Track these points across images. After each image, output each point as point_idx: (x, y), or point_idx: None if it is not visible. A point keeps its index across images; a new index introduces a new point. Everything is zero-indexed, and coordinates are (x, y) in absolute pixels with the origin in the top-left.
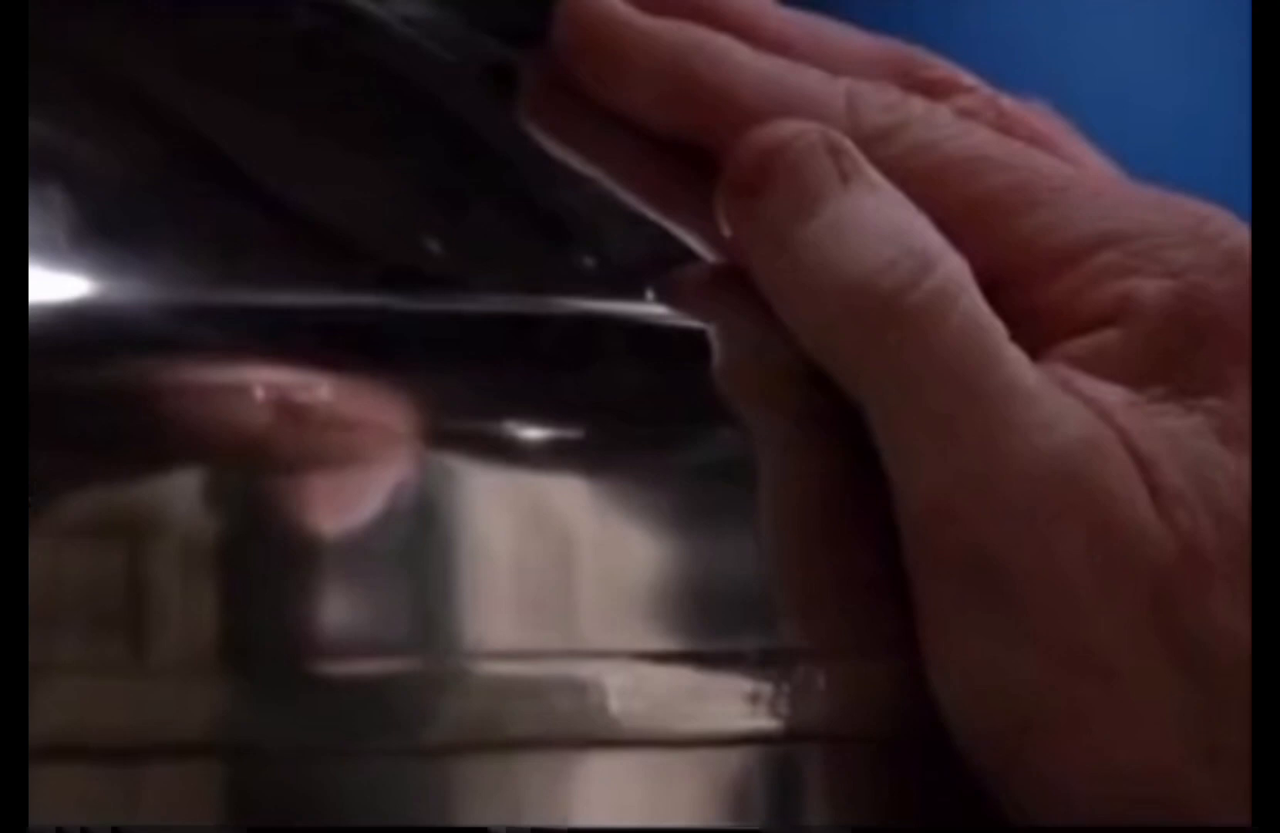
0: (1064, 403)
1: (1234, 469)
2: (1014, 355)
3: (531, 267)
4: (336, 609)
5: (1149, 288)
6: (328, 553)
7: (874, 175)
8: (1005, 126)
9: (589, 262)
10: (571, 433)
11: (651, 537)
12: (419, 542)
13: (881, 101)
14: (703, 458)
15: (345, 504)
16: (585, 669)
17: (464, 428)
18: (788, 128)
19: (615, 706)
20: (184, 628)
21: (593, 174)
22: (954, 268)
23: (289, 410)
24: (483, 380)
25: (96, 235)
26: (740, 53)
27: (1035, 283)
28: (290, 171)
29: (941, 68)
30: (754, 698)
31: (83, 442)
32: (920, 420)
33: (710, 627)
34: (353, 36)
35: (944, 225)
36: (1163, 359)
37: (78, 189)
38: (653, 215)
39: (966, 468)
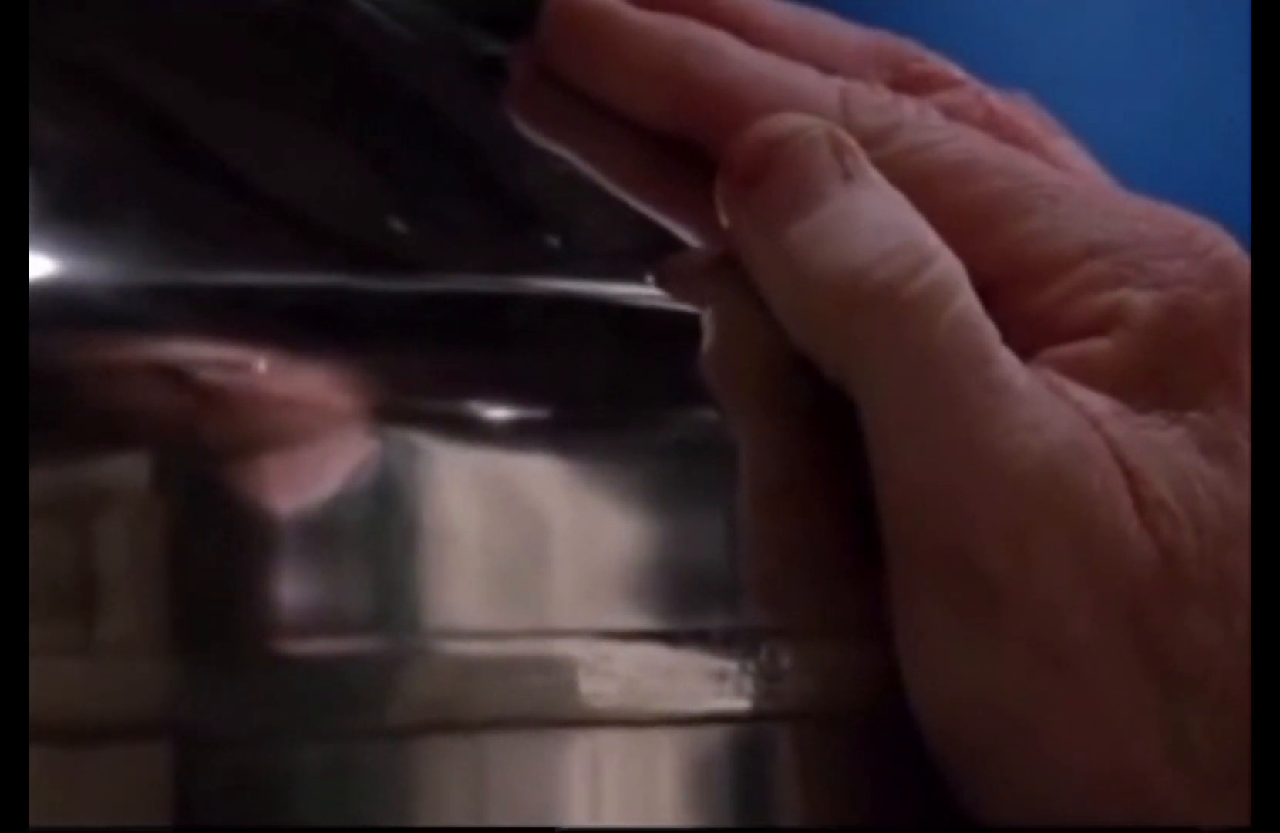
0: (1053, 406)
1: (1214, 483)
2: (1005, 356)
3: (498, 247)
4: (303, 589)
5: (1138, 299)
6: (292, 533)
7: (874, 174)
8: (993, 123)
9: (555, 242)
10: (538, 413)
11: (619, 516)
12: (385, 521)
13: (874, 102)
14: (670, 438)
15: (305, 483)
16: (552, 648)
17: (430, 408)
18: (793, 121)
19: (583, 685)
20: (140, 608)
21: (561, 155)
22: (951, 266)
23: (247, 389)
24: (448, 361)
25: (59, 215)
26: (733, 49)
27: (1025, 289)
28: (256, 152)
29: (932, 61)
30: (721, 677)
31: (38, 420)
32: (908, 415)
33: (678, 606)
34: (320, 18)
35: (936, 229)
36: (1149, 371)
37: (39, 169)
38: (641, 208)
39: (952, 463)
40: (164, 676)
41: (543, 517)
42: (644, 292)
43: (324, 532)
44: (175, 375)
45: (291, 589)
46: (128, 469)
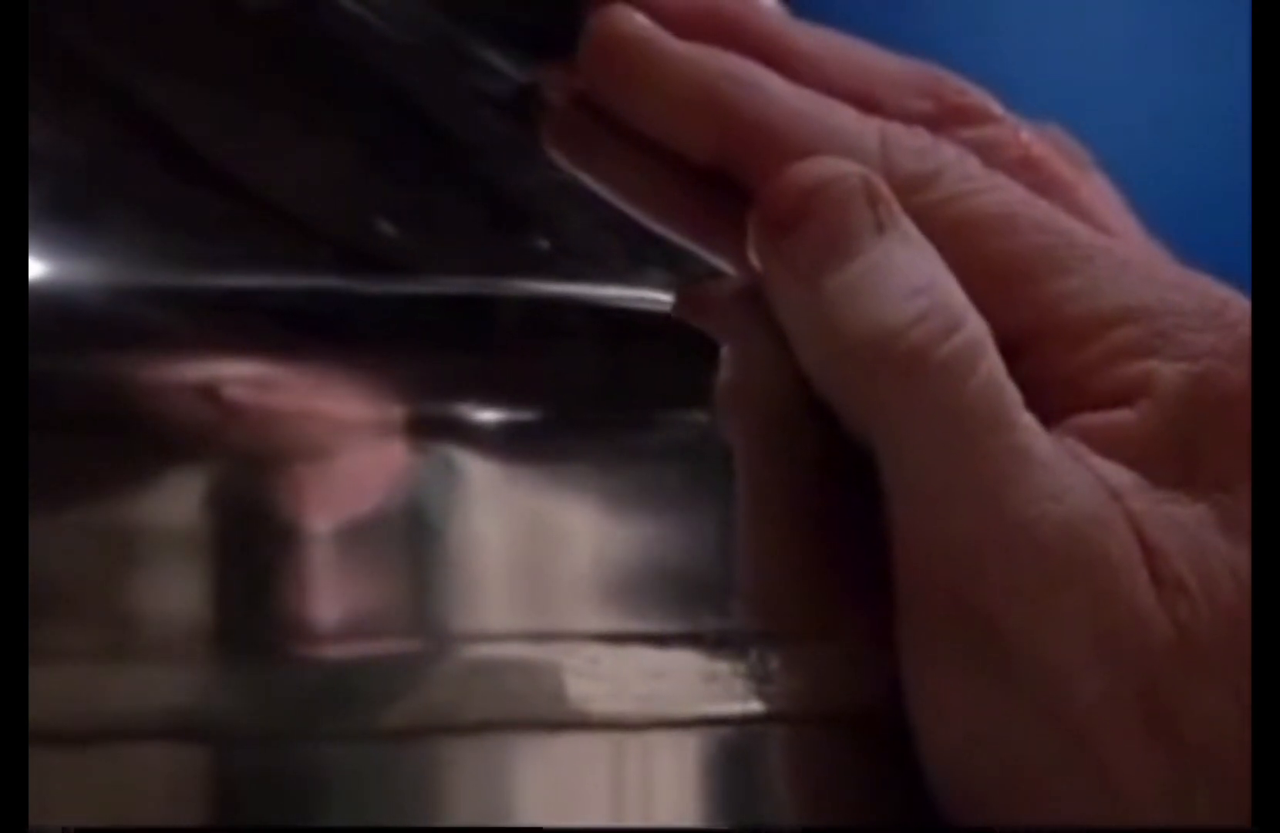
0: (1076, 475)
1: (1234, 563)
2: (1028, 421)
3: (488, 249)
4: (295, 594)
5: (1166, 371)
6: (285, 539)
7: (909, 226)
8: (1029, 164)
9: (545, 244)
10: (528, 416)
11: (609, 519)
12: (376, 526)
13: (914, 145)
14: (661, 441)
15: (302, 490)
16: (544, 652)
17: (420, 411)
18: (829, 167)
19: (573, 688)
20: (144, 614)
21: (557, 163)
22: (978, 328)
23: (244, 396)
24: (437, 363)
25: (49, 216)
26: (773, 83)
27: (1057, 350)
28: (246, 153)
29: (973, 95)
30: (711, 680)
31: (33, 424)
32: (930, 476)
33: (669, 609)
34: (311, 18)
35: (968, 282)
36: (1173, 445)
37: (30, 170)
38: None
39: (973, 526)
40: (172, 681)
41: (533, 520)
42: (634, 294)
43: (321, 538)
44: (169, 381)
45: (292, 595)
46: (125, 476)
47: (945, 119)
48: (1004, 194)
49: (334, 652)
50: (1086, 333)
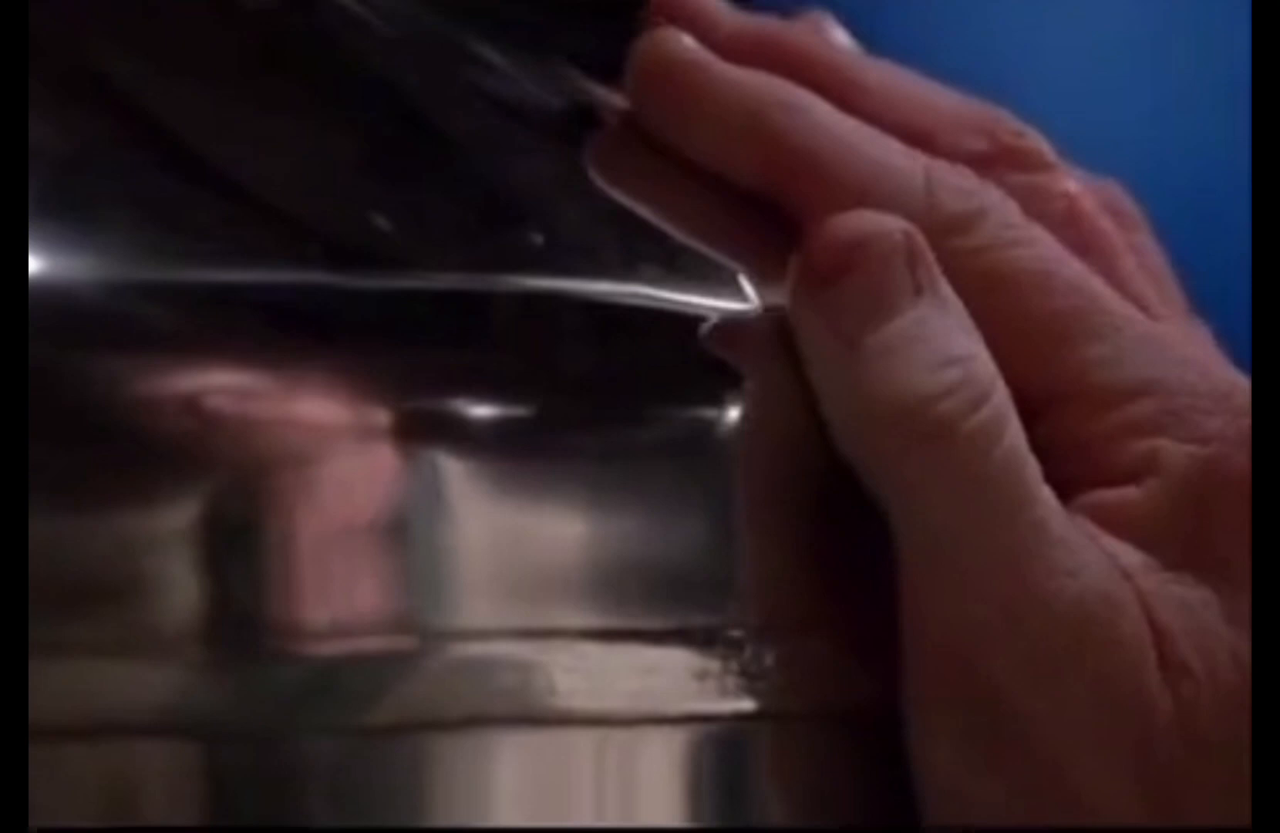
0: (1089, 553)
1: (1235, 647)
2: (1046, 496)
3: (481, 245)
4: (281, 591)
5: (1175, 452)
6: (272, 535)
7: (946, 290)
8: (1073, 218)
9: (538, 239)
10: (520, 411)
11: (602, 515)
12: (365, 523)
13: (959, 186)
14: (653, 437)
15: (290, 488)
16: (532, 648)
17: (411, 407)
18: (873, 222)
19: (562, 684)
20: (129, 611)
21: (544, 153)
22: (1004, 399)
23: (227, 405)
24: (430, 358)
25: (41, 212)
26: (822, 113)
27: (1072, 418)
28: (238, 149)
29: (1028, 137)
30: (702, 676)
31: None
32: (948, 544)
33: (659, 605)
34: (302, 14)
35: (996, 339)
36: (1178, 528)
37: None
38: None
39: (987, 596)
40: (157, 678)
41: (523, 516)
42: (628, 289)
43: (308, 535)
44: (160, 378)
45: (278, 591)
46: (107, 475)
47: (997, 161)
48: (1041, 249)
49: (321, 649)
50: (1106, 402)
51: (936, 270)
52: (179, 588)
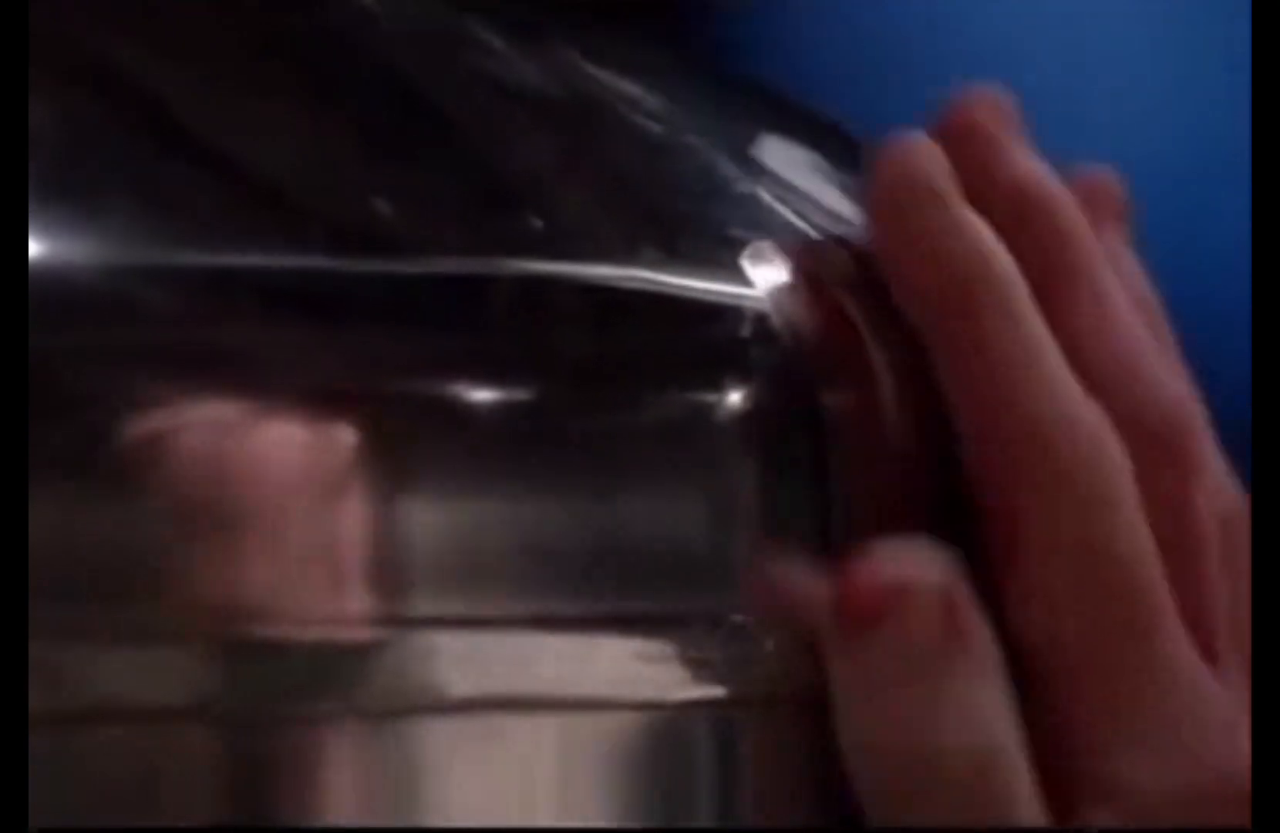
0: None
1: None
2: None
3: (481, 228)
4: (272, 576)
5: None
6: (266, 520)
7: (979, 646)
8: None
9: (539, 223)
10: (520, 395)
11: (600, 500)
12: (361, 509)
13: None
14: (652, 421)
15: (276, 471)
16: (529, 633)
17: (410, 391)
18: (914, 572)
19: (559, 670)
20: (117, 597)
21: (544, 137)
22: (1017, 765)
23: (229, 382)
24: (429, 342)
25: (41, 196)
26: (1028, 321)
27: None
28: (239, 132)
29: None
30: (702, 662)
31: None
32: None
33: (658, 590)
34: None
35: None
36: None
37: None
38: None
39: None
40: (147, 663)
41: (523, 501)
42: (628, 273)
43: (303, 520)
44: (158, 360)
45: (270, 577)
46: (100, 456)
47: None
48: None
49: (310, 634)
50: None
51: (968, 627)
52: (156, 573)
